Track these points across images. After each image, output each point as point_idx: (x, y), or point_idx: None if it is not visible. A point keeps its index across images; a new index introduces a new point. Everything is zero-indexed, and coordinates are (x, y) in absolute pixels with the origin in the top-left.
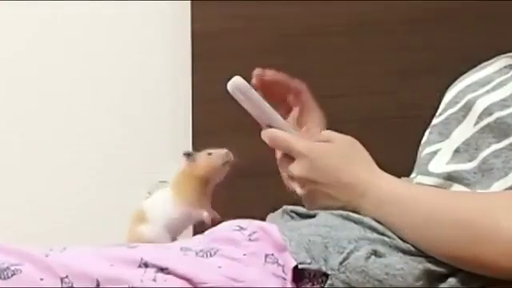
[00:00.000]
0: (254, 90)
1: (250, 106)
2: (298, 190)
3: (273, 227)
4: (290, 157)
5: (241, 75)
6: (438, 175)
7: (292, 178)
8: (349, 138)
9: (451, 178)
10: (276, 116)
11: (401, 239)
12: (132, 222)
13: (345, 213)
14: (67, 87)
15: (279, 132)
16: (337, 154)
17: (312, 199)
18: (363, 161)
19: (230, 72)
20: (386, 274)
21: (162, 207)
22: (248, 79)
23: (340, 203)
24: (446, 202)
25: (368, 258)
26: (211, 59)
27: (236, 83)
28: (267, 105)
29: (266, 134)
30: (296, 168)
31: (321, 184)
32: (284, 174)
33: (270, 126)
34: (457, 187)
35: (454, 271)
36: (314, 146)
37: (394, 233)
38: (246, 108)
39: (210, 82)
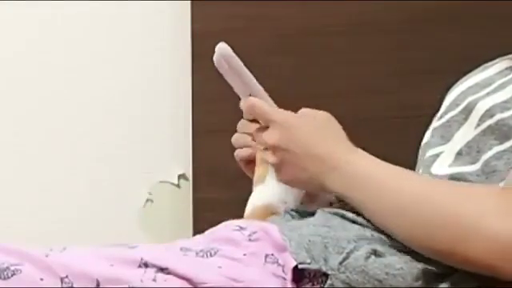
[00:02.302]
0: (238, 59)
1: (233, 75)
2: (270, 159)
3: (273, 227)
4: (265, 128)
5: None
6: (440, 177)
7: (265, 147)
8: (325, 113)
9: (454, 179)
10: (258, 87)
11: None
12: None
13: (340, 212)
14: (67, 87)
15: (258, 101)
16: (312, 126)
17: (282, 169)
18: (338, 136)
19: None
20: (386, 273)
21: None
22: None
23: (308, 174)
24: (425, 189)
25: (368, 257)
26: (211, 59)
27: (221, 50)
28: (250, 75)
29: (245, 102)
30: (269, 135)
31: (292, 153)
32: (258, 155)
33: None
34: None
35: (453, 271)
36: (290, 116)
37: (361, 213)
38: (227, 79)
39: (209, 82)
